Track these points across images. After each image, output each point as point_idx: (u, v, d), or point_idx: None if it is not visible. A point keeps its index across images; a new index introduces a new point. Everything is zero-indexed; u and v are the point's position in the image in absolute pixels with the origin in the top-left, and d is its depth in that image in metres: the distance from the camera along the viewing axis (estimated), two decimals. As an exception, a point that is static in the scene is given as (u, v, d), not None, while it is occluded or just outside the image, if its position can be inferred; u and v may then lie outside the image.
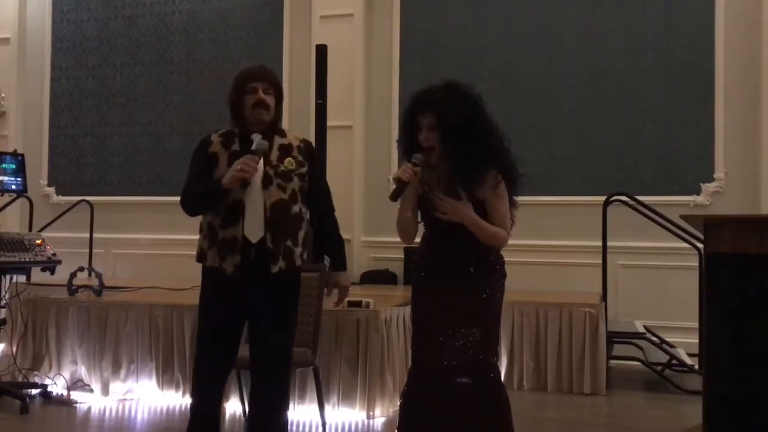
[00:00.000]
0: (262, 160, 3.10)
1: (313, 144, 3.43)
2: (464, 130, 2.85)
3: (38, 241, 5.09)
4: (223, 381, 3.30)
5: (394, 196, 2.92)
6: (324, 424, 4.33)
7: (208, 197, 3.13)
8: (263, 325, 3.20)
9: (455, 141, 2.86)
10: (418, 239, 3.09)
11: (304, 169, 3.22)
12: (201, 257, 3.22)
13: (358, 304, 4.71)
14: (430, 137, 2.89)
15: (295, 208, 3.17)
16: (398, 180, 2.87)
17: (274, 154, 3.17)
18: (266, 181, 3.11)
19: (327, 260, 3.43)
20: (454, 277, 2.95)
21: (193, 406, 3.26)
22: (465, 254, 2.92)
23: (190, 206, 3.21)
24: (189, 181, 3.21)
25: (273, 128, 3.23)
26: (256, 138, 3.09)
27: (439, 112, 2.87)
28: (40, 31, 8.99)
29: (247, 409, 3.52)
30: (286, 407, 3.30)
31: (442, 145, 2.88)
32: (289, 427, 3.34)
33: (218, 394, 3.27)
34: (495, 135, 2.93)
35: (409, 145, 2.97)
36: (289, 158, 3.19)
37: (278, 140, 3.21)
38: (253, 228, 3.09)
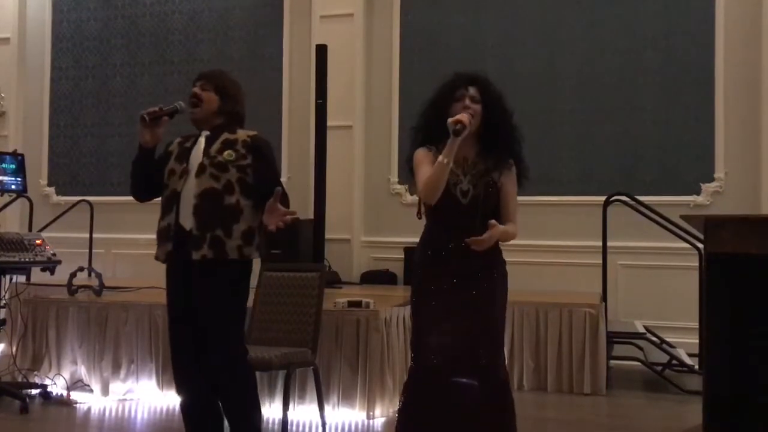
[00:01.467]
0: (202, 153, 3.23)
1: (264, 141, 3.37)
2: (502, 111, 3.03)
3: (38, 241, 5.08)
4: (196, 372, 3.23)
5: (458, 133, 2.84)
6: (324, 424, 4.33)
7: (133, 164, 3.36)
8: (192, 315, 3.19)
9: (495, 116, 3.00)
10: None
11: (245, 162, 3.24)
12: None
13: (358, 304, 4.71)
14: (470, 106, 2.98)
15: (230, 199, 3.18)
16: (458, 121, 2.85)
17: (216, 147, 3.25)
18: (200, 171, 3.20)
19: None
20: (460, 275, 2.96)
21: (180, 405, 3.31)
22: (473, 254, 2.93)
23: (131, 184, 3.39)
24: None
25: (223, 126, 3.32)
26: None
27: (485, 87, 3.02)
28: (40, 31, 8.98)
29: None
30: (238, 399, 3.23)
31: (483, 116, 2.98)
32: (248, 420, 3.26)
33: (194, 387, 3.24)
34: (517, 130, 3.08)
35: (441, 117, 2.96)
36: (229, 150, 3.24)
37: (225, 135, 3.30)
38: (186, 216, 3.16)
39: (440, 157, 2.87)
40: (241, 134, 3.32)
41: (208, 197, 3.15)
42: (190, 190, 3.18)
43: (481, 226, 2.88)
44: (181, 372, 3.27)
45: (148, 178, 3.31)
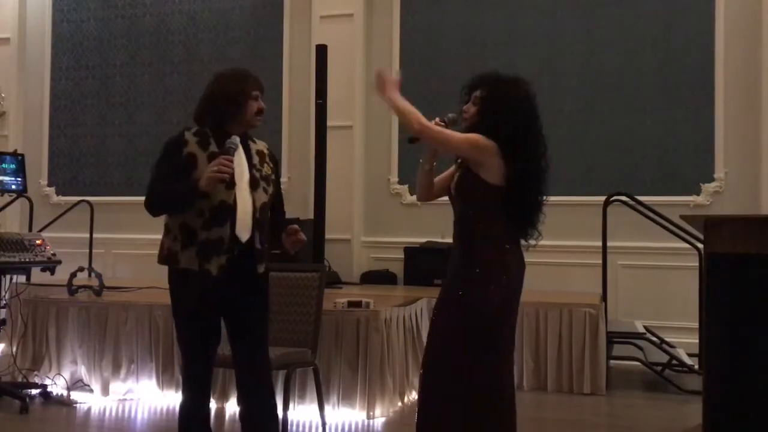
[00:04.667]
0: (247, 163, 3.17)
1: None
2: (494, 106, 2.94)
3: (38, 241, 5.08)
4: (211, 379, 3.32)
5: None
6: (324, 424, 4.33)
7: (182, 198, 3.08)
8: (248, 323, 3.22)
9: (488, 111, 2.95)
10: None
11: (273, 176, 3.30)
12: (169, 259, 3.16)
13: (358, 304, 4.71)
14: (468, 108, 3.02)
15: (268, 213, 3.26)
16: None
17: (255, 159, 3.23)
18: (254, 183, 3.17)
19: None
20: (449, 278, 3.00)
21: (186, 407, 3.21)
22: (456, 251, 2.98)
23: (158, 206, 3.14)
24: (157, 180, 3.13)
25: (246, 133, 3.27)
26: (230, 139, 3.10)
27: (482, 87, 2.99)
28: (40, 31, 8.99)
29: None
30: (276, 403, 3.33)
31: (480, 113, 2.97)
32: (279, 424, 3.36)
33: (209, 394, 3.30)
34: (520, 127, 2.94)
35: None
36: (267, 164, 3.27)
37: (253, 146, 3.27)
38: (243, 228, 3.12)
39: (421, 162, 3.08)
40: (261, 145, 3.33)
41: (264, 211, 3.19)
42: (245, 202, 3.12)
43: (462, 212, 2.96)
44: (198, 386, 3.21)
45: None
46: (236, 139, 3.10)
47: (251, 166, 3.19)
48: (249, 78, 3.23)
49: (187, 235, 3.11)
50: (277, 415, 3.28)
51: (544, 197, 3.05)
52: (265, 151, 3.32)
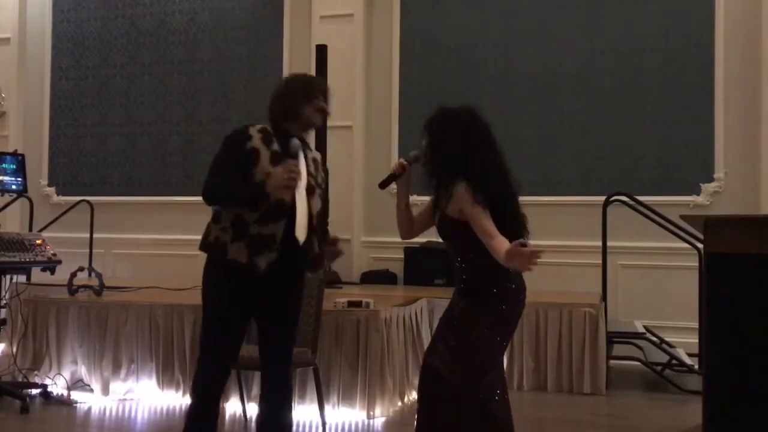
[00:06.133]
0: (304, 169, 3.13)
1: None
2: (431, 149, 2.94)
3: (38, 241, 5.08)
4: (227, 379, 3.31)
5: (380, 185, 3.09)
6: (324, 424, 4.33)
7: (247, 198, 3.05)
8: (281, 323, 3.24)
9: (428, 158, 2.96)
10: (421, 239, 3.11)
11: (324, 185, 3.31)
12: (216, 248, 3.10)
13: (358, 304, 4.71)
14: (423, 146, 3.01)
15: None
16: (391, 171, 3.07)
17: (311, 166, 3.22)
18: (310, 189, 3.15)
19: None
20: (457, 293, 3.01)
21: (197, 405, 3.18)
22: (457, 281, 3.00)
23: (218, 199, 3.10)
24: (218, 171, 3.08)
25: (305, 141, 3.27)
26: (293, 141, 3.09)
27: (426, 124, 2.99)
28: (40, 31, 8.99)
29: (256, 409, 3.46)
30: (289, 398, 3.38)
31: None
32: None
33: (221, 393, 3.27)
34: (465, 150, 2.88)
35: None
36: (320, 173, 3.27)
37: (310, 153, 3.26)
38: (301, 229, 3.09)
39: (396, 202, 3.10)
40: (316, 153, 3.35)
41: (318, 219, 3.20)
42: (302, 205, 3.10)
43: (453, 256, 2.97)
44: (217, 376, 3.20)
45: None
46: (297, 142, 3.10)
47: (308, 172, 3.16)
48: (317, 82, 3.30)
49: (240, 227, 3.07)
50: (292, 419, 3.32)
51: (525, 217, 2.94)
52: (319, 160, 3.33)
